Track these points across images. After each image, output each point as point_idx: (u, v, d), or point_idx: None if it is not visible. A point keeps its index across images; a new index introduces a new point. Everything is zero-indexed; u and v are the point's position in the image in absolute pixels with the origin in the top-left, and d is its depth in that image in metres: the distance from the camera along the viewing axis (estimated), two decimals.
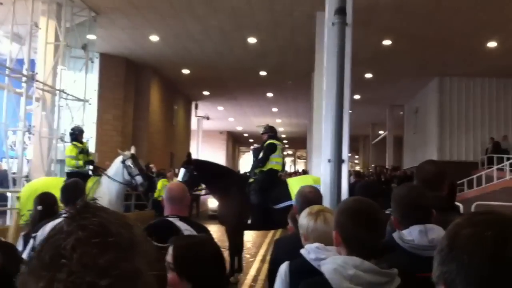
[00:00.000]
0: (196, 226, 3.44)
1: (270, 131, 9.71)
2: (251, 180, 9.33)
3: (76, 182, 4.41)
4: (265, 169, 9.30)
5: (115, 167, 9.85)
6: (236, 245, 9.19)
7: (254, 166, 9.63)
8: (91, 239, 0.73)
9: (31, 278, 0.72)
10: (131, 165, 9.76)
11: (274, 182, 9.26)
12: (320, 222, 2.72)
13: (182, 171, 9.40)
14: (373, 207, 2.13)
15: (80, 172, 9.99)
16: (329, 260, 2.03)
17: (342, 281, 1.90)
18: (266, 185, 9.06)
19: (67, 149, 10.87)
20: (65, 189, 4.20)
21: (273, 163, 9.37)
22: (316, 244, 2.62)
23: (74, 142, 10.40)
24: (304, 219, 2.80)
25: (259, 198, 8.93)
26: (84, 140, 10.90)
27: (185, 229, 3.25)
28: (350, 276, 1.90)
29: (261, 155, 9.45)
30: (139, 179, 9.75)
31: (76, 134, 10.57)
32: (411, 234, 2.43)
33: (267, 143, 9.47)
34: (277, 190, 8.94)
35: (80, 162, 10.12)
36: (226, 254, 9.26)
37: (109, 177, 9.71)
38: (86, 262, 0.71)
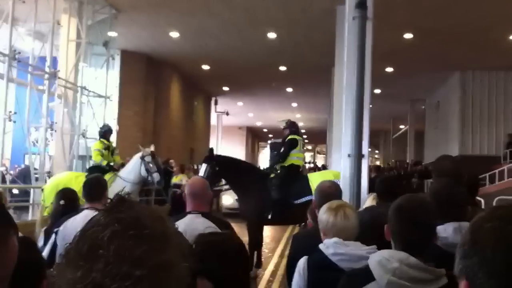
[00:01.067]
0: (218, 222, 3.41)
1: (292, 126, 9.68)
2: (272, 175, 9.34)
3: (98, 178, 4.43)
4: (286, 164, 9.28)
5: (133, 163, 10.09)
6: (256, 240, 9.21)
7: (274, 161, 9.64)
8: (127, 231, 0.76)
9: (68, 268, 0.74)
10: (150, 162, 9.93)
11: (295, 177, 9.25)
12: (340, 217, 2.71)
13: (203, 166, 9.44)
14: (419, 207, 2.13)
15: (101, 167, 10.21)
16: (377, 253, 2.05)
17: (384, 274, 1.91)
18: (287, 181, 9.05)
19: (94, 143, 11.24)
20: (87, 185, 4.22)
21: (294, 158, 9.35)
22: (335, 239, 2.62)
23: (102, 139, 10.75)
24: (323, 215, 2.79)
25: (280, 193, 8.92)
26: (111, 139, 11.26)
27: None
28: (393, 269, 1.90)
29: (282, 150, 9.44)
30: (156, 176, 10.00)
31: (104, 132, 10.94)
32: (446, 231, 2.41)
33: (288, 138, 9.44)
34: (298, 185, 8.92)
35: (104, 162, 10.37)
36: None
37: (121, 178, 9.91)
38: (122, 253, 0.73)
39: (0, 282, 1.21)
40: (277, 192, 8.96)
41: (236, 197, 17.05)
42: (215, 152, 9.86)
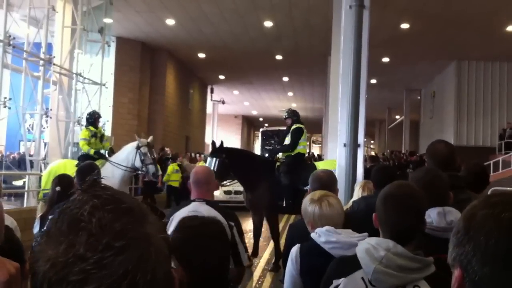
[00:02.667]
0: (223, 211, 3.39)
1: (294, 115, 9.62)
2: (278, 163, 9.33)
3: (90, 164, 4.43)
4: (292, 153, 9.28)
5: (127, 152, 9.84)
6: (257, 229, 9.26)
7: (281, 150, 9.59)
8: (106, 206, 0.78)
9: (49, 245, 0.77)
10: (146, 153, 9.77)
11: (303, 165, 9.25)
12: (325, 207, 2.71)
13: (209, 160, 9.19)
14: (409, 194, 2.10)
15: (90, 156, 10.01)
16: (365, 240, 2.04)
17: (371, 262, 1.90)
18: (295, 169, 9.04)
19: (81, 132, 11.01)
20: (80, 172, 4.22)
21: (300, 147, 9.35)
22: (327, 227, 2.63)
23: (89, 126, 10.46)
24: (308, 207, 2.78)
25: (289, 179, 8.92)
26: (100, 125, 10.97)
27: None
28: (380, 257, 1.89)
29: (288, 140, 9.35)
30: (152, 168, 9.78)
31: (93, 120, 10.61)
32: (430, 216, 2.41)
33: (294, 128, 9.35)
34: (306, 172, 8.88)
35: (92, 151, 10.09)
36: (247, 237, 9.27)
37: (113, 163, 9.68)
38: (104, 225, 0.76)
39: None
40: (286, 178, 8.94)
41: (226, 189, 17.02)
42: (216, 143, 9.49)
